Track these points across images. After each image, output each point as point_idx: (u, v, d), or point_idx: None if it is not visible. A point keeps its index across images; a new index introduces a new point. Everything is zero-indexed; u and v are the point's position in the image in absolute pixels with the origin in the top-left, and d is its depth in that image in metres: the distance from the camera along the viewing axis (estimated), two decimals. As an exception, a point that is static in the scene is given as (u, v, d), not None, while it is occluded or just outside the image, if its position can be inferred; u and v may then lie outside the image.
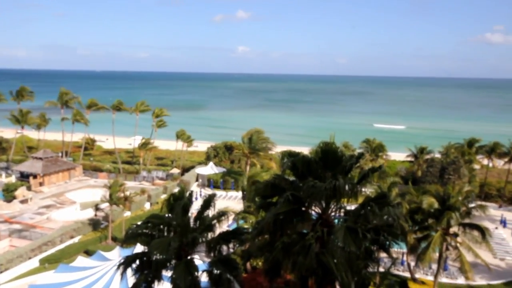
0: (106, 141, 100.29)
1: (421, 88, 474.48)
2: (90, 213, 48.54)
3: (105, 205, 46.30)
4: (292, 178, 20.04)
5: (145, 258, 19.74)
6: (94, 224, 46.13)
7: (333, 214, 19.19)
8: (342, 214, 19.06)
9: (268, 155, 64.24)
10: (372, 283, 14.58)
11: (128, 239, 20.48)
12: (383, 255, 24.92)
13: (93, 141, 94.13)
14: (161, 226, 20.04)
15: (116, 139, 76.81)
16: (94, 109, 78.07)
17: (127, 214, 50.68)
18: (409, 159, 66.74)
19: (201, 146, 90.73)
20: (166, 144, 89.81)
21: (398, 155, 75.03)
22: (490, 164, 63.05)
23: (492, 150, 61.64)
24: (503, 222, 51.28)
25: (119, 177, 65.51)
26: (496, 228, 48.67)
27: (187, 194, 21.88)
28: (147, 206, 55.46)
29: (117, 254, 30.01)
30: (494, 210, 55.78)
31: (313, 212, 19.55)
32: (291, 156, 19.40)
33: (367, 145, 64.57)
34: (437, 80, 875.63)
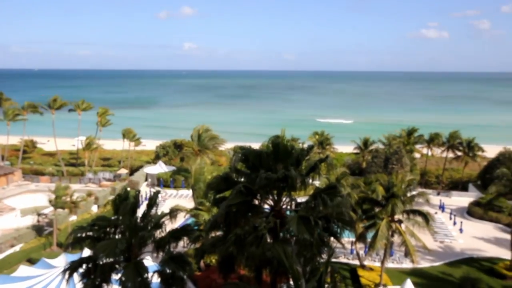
0: (47, 143, 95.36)
1: (364, 82, 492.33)
2: (32, 220, 45.98)
3: (48, 210, 44.09)
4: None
5: (92, 262, 19.01)
6: (37, 230, 43.79)
7: (284, 206, 19.50)
8: (293, 206, 19.42)
9: (218, 151, 64.00)
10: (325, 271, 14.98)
11: (72, 244, 19.57)
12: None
13: (33, 143, 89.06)
14: (108, 228, 19.38)
15: (58, 141, 73.21)
16: (32, 110, 73.75)
17: (73, 218, 48.56)
18: (355, 151, 69.12)
19: (150, 144, 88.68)
20: (112, 144, 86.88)
21: (344, 148, 77.41)
22: (430, 153, 66.66)
23: (431, 140, 65.22)
24: (442, 207, 54.48)
25: (63, 180, 62.61)
26: (436, 213, 51.57)
27: (135, 193, 21.31)
28: (94, 209, 53.46)
29: (63, 261, 28.61)
30: (433, 196, 59.11)
31: (266, 206, 19.78)
32: (242, 149, 19.50)
33: (315, 138, 66.10)
34: (378, 74, 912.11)
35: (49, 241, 41.96)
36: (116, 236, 19.44)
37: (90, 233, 19.53)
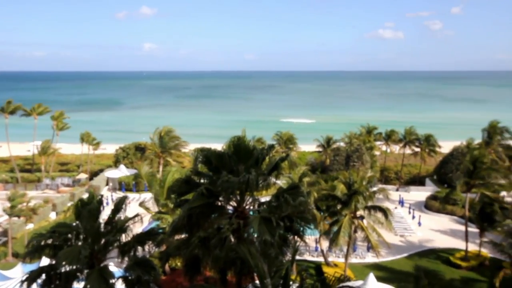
0: None
1: (325, 81, 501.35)
2: (-15, 229, 43.74)
3: (2, 219, 42.09)
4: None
5: (52, 271, 18.34)
6: (-9, 240, 41.77)
7: (248, 206, 19.59)
8: (256, 206, 19.54)
9: (181, 153, 63.36)
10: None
11: (31, 253, 18.78)
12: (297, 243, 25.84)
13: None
14: (69, 235, 18.76)
15: (12, 146, 70.07)
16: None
17: (30, 226, 46.61)
18: (318, 149, 70.36)
19: (110, 148, 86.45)
20: (70, 148, 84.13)
21: (308, 147, 78.60)
22: (388, 150, 68.84)
23: (389, 137, 67.38)
24: (401, 202, 56.40)
25: (18, 187, 60.00)
26: (396, 208, 53.31)
27: (97, 198, 20.74)
28: (52, 216, 51.55)
29: (20, 271, 27.41)
30: (393, 192, 61.06)
31: (229, 207, 19.78)
32: (203, 151, 19.41)
33: (278, 137, 66.74)
34: (339, 73, 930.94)
35: (3, 252, 40.05)
36: (79, 243, 18.85)
37: (50, 241, 18.83)
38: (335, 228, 33.03)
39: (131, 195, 60.72)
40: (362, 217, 33.57)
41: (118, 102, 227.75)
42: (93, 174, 68.99)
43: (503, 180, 42.21)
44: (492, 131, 58.67)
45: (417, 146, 65.59)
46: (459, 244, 41.87)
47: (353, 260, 38.82)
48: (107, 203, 54.59)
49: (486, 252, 38.99)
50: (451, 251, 41.08)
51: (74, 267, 17.26)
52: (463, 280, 35.41)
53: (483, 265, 37.81)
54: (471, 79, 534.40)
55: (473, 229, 41.06)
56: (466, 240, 38.67)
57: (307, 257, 40.03)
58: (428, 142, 64.05)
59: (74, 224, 19.75)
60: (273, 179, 19.82)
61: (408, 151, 66.69)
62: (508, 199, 41.66)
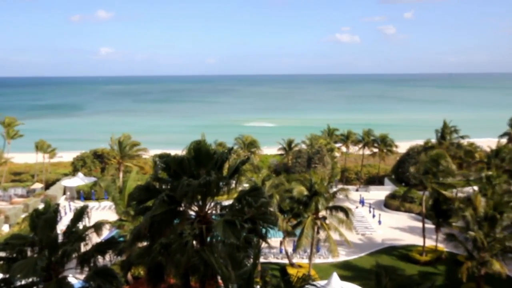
0: None
1: (286, 84, 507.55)
2: None
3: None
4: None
5: (6, 285, 17.45)
6: None
7: (210, 211, 19.47)
8: (219, 210, 19.45)
9: (141, 159, 62.20)
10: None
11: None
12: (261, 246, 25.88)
13: None
14: (24, 247, 17.94)
15: (-40, 156, 66.27)
16: None
17: (-19, 240, 44.20)
18: (280, 152, 71.00)
19: (67, 156, 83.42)
20: (23, 157, 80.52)
21: (270, 150, 79.15)
22: (348, 151, 70.51)
23: (347, 138, 69.05)
24: (362, 202, 57.79)
25: (-33, 199, 56.84)
26: (357, 207, 54.55)
27: (53, 207, 19.97)
28: (5, 228, 49.10)
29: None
30: (354, 192, 62.55)
31: (192, 212, 19.57)
32: (163, 157, 19.15)
33: (240, 141, 66.81)
34: (299, 76, 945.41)
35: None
36: (32, 254, 18.04)
37: (3, 254, 17.93)
38: (298, 230, 33.40)
39: (90, 204, 58.86)
40: (324, 218, 34.15)
41: (74, 108, 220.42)
42: (49, 184, 66.33)
43: (456, 178, 44.22)
44: (444, 131, 61.41)
45: (375, 147, 67.56)
46: (417, 240, 43.36)
47: (317, 260, 39.37)
48: (65, 213, 52.78)
49: (442, 246, 40.63)
50: (410, 247, 42.51)
51: (30, 279, 16.53)
52: (422, 274, 36.70)
53: (439, 259, 39.46)
54: (424, 81, 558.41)
55: (430, 225, 42.68)
56: (424, 236, 40.16)
57: (272, 259, 40.23)
58: (385, 143, 66.16)
59: (29, 235, 18.93)
60: (235, 183, 19.79)
61: (367, 151, 68.56)
62: (460, 195, 43.54)
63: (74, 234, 19.20)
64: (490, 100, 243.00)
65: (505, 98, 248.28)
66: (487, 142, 69.37)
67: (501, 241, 30.45)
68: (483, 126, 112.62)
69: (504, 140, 66.64)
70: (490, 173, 41.52)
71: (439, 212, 39.41)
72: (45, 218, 18.15)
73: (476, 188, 42.44)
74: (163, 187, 19.09)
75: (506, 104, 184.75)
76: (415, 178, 42.30)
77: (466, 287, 32.68)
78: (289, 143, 68.96)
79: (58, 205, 20.36)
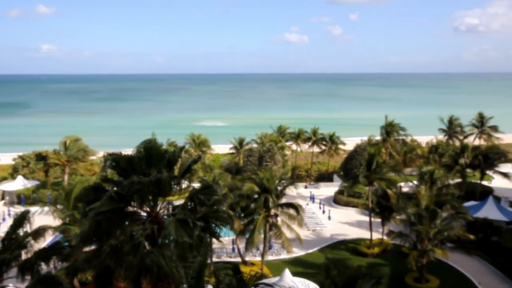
0: None
1: (235, 83, 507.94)
2: None
3: None
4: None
5: None
6: None
7: (162, 211, 19.13)
8: (171, 210, 19.16)
9: (88, 161, 59.99)
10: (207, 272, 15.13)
11: None
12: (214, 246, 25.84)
13: None
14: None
15: None
16: None
17: None
18: (231, 151, 70.92)
19: (5, 158, 78.69)
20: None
21: (221, 149, 78.80)
22: (298, 149, 71.81)
23: (298, 136, 70.40)
24: (312, 198, 59.09)
25: None
26: (307, 204, 55.70)
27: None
28: None
29: None
30: (304, 189, 63.93)
31: (143, 213, 19.13)
32: (112, 155, 18.57)
33: (191, 140, 66.10)
34: (249, 75, 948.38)
35: None
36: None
37: None
38: (250, 228, 33.59)
39: (32, 209, 55.89)
40: (276, 215, 34.55)
41: (14, 107, 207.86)
42: (-14, 188, 62.19)
43: (396, 173, 46.42)
44: (389, 129, 64.11)
45: (324, 145, 69.31)
46: (365, 234, 44.95)
47: (270, 257, 39.79)
48: (4, 219, 49.79)
49: (388, 239, 42.39)
50: (358, 241, 44.03)
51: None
52: (369, 266, 38.02)
53: (386, 251, 41.23)
54: (369, 80, 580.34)
55: (377, 219, 44.35)
56: (371, 230, 41.73)
57: (225, 258, 40.21)
58: (332, 141, 68.10)
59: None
60: (186, 182, 19.58)
61: (316, 149, 70.17)
62: (405, 190, 45.71)
63: (14, 241, 18.16)
64: (431, 98, 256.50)
65: (445, 96, 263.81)
66: (427, 139, 73.50)
67: (441, 232, 32.49)
68: (425, 124, 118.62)
69: (440, 137, 70.90)
70: (430, 168, 43.91)
71: (383, 208, 41.09)
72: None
73: (416, 182, 44.98)
74: (113, 187, 18.53)
75: (445, 102, 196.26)
76: (360, 174, 43.82)
77: (411, 276, 34.42)
78: (240, 142, 69.01)
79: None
